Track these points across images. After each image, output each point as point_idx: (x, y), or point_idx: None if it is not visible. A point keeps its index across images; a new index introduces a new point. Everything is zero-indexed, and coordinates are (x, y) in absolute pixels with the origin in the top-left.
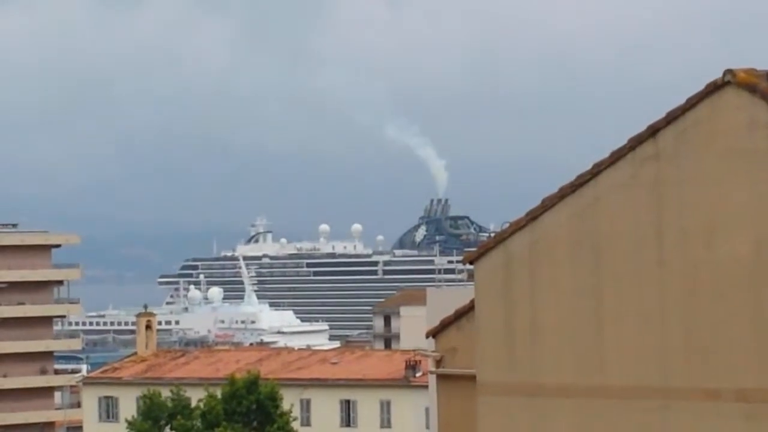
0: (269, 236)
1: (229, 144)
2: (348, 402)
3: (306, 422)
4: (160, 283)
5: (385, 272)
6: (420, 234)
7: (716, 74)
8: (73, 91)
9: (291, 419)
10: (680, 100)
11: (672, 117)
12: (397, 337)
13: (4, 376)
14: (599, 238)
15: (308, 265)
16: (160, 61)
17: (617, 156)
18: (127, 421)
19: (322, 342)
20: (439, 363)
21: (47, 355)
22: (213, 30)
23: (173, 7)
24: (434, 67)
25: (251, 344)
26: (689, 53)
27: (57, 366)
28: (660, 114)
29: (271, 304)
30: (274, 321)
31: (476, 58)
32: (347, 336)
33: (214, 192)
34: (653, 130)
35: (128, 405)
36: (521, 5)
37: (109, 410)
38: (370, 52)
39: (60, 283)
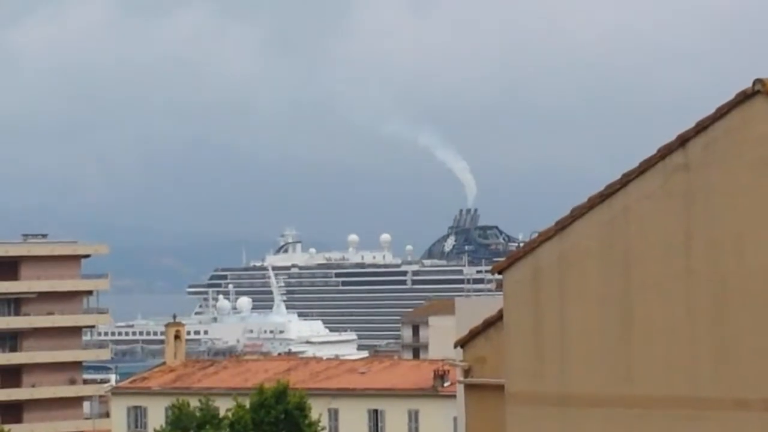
0: (298, 246)
1: (255, 153)
2: (376, 412)
3: None
4: (189, 293)
5: (414, 282)
6: (449, 244)
7: (746, 83)
8: (100, 101)
9: (319, 429)
10: (710, 109)
11: (701, 126)
12: (426, 346)
13: (34, 386)
14: (628, 248)
15: (337, 275)
16: (185, 71)
17: (647, 166)
18: (155, 430)
19: (351, 352)
20: (467, 373)
21: (76, 365)
22: (237, 40)
23: (197, 17)
24: (461, 76)
25: (280, 354)
26: (717, 61)
27: (86, 376)
28: (689, 123)
29: (300, 314)
30: (303, 331)
31: (502, 67)
32: (375, 346)
33: (243, 202)
34: (683, 140)
35: (157, 415)
36: (546, 14)
37: (137, 420)
38: (397, 62)
39: (89, 293)
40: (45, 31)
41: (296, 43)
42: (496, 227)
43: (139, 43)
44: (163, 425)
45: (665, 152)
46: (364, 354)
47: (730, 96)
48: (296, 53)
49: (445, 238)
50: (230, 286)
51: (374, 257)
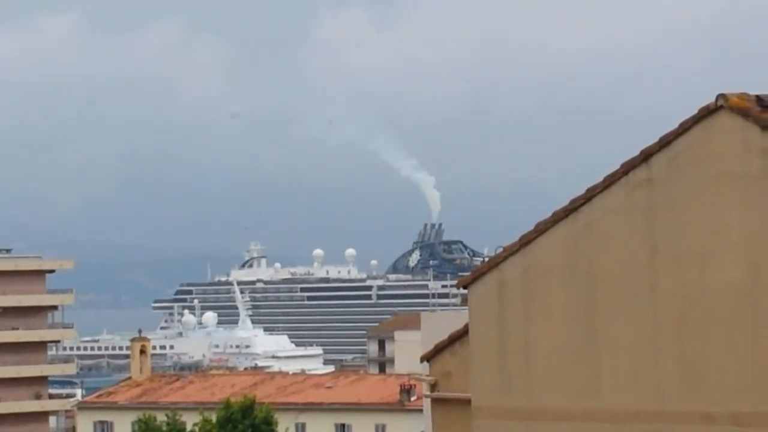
0: (263, 261)
1: (222, 168)
2: (343, 426)
3: None
4: (155, 308)
5: (379, 297)
6: (414, 258)
7: (709, 98)
8: (65, 114)
9: None
10: (673, 125)
11: (665, 142)
12: (392, 361)
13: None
14: (593, 263)
15: (302, 289)
16: (153, 85)
17: (610, 181)
18: None
19: (317, 366)
20: (433, 387)
21: (42, 380)
22: (203, 56)
23: (165, 32)
24: (426, 89)
25: (245, 369)
26: (682, 78)
27: (51, 391)
28: (653, 139)
29: (266, 329)
30: (269, 345)
31: (468, 81)
32: (341, 360)
33: (208, 217)
34: (646, 155)
35: (123, 429)
36: (514, 28)
37: None
38: (362, 76)
39: (54, 308)
40: (13, 43)
41: (261, 58)
42: (461, 242)
43: (107, 58)
44: None
45: (629, 167)
46: (331, 369)
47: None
48: (261, 68)
49: (410, 252)
50: (195, 300)
51: (339, 272)
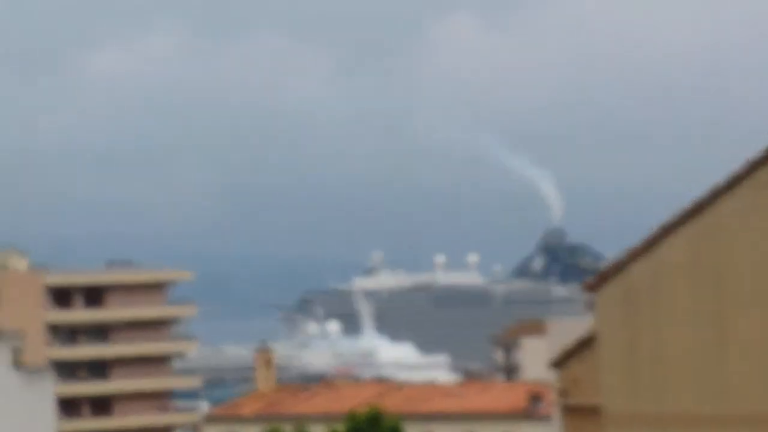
0: (386, 269)
1: (332, 173)
2: None
3: None
4: (279, 318)
5: (504, 302)
6: (538, 263)
7: None
8: (171, 125)
9: None
10: None
11: None
12: (519, 368)
13: (125, 415)
14: (720, 264)
15: (426, 297)
16: (257, 93)
17: (735, 181)
18: None
19: (443, 374)
20: (563, 394)
21: (166, 394)
22: (308, 63)
23: (267, 38)
24: (538, 92)
25: (371, 379)
26: None
27: (177, 404)
28: None
29: (390, 338)
30: (394, 354)
31: (579, 85)
32: (468, 368)
33: (323, 225)
34: None
35: None
36: (622, 30)
37: None
38: (473, 79)
39: (176, 320)
40: (118, 56)
41: (367, 63)
42: (585, 245)
43: (212, 67)
44: None
45: (753, 167)
46: (457, 377)
47: None
48: (369, 72)
49: (533, 257)
50: (319, 310)
51: (462, 278)
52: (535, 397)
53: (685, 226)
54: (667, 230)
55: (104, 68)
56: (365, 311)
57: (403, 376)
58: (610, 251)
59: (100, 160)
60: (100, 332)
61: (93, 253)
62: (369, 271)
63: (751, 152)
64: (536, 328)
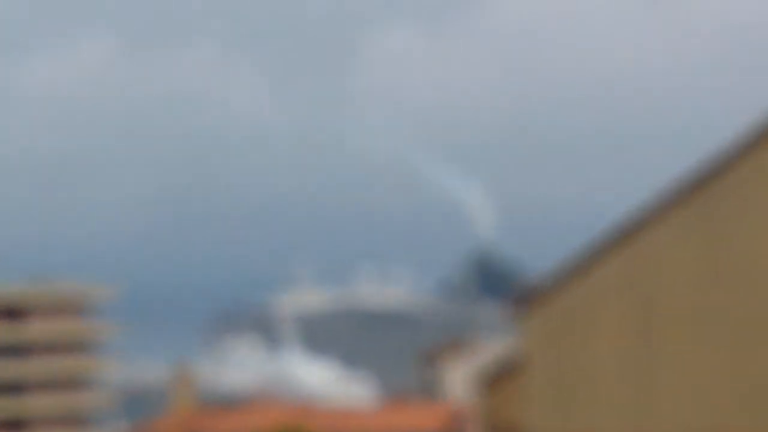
0: (311, 285)
1: (259, 188)
2: None
3: None
4: (199, 336)
5: (429, 321)
6: (465, 281)
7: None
8: (104, 137)
9: None
10: (729, 141)
11: (723, 161)
12: (442, 387)
13: None
14: (652, 286)
15: (350, 314)
16: (189, 105)
17: (667, 203)
18: None
19: (365, 393)
20: (487, 414)
21: (84, 413)
22: (245, 73)
23: (201, 50)
24: (478, 106)
25: (292, 398)
26: (740, 94)
27: (94, 423)
28: (708, 155)
29: (313, 355)
30: (316, 373)
31: (521, 97)
32: (391, 387)
33: (253, 240)
34: (704, 176)
35: None
36: (565, 43)
37: None
38: (408, 93)
39: (99, 337)
40: (48, 67)
41: (302, 76)
42: (514, 263)
43: (141, 79)
44: None
45: (686, 189)
46: (381, 396)
47: (751, 128)
48: (304, 85)
49: (461, 275)
50: (241, 327)
51: (388, 296)
52: (458, 417)
53: (617, 247)
54: (598, 252)
55: (34, 79)
56: (288, 329)
57: (324, 394)
58: (540, 269)
59: (25, 169)
60: (18, 351)
61: (15, 264)
62: (293, 288)
63: (682, 165)
64: (461, 347)
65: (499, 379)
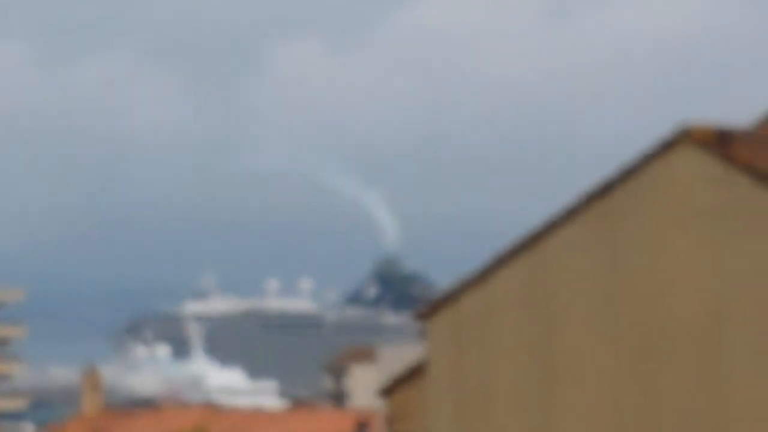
0: (218, 293)
1: (166, 198)
2: None
3: None
4: (106, 341)
5: (335, 329)
6: (371, 290)
7: (669, 129)
8: (16, 148)
9: None
10: (633, 153)
11: (625, 174)
12: (348, 395)
13: None
14: (552, 297)
15: (257, 322)
16: (95, 116)
17: (570, 213)
18: None
19: (271, 400)
20: (389, 422)
21: None
22: (152, 85)
23: (111, 63)
24: (381, 119)
25: (199, 403)
26: (641, 107)
27: (2, 426)
28: (612, 168)
29: (219, 362)
30: (222, 379)
31: (425, 111)
32: (297, 394)
33: (161, 248)
34: (606, 187)
35: None
36: (468, 59)
37: None
38: (315, 104)
39: (5, 340)
40: None
41: (208, 88)
42: (419, 274)
43: (54, 89)
44: None
45: (589, 199)
46: (285, 402)
47: (654, 141)
48: (208, 98)
49: (367, 284)
50: (148, 333)
51: (295, 304)
52: (363, 424)
53: (519, 257)
54: (501, 261)
55: None
56: (195, 335)
57: (231, 401)
58: (444, 279)
59: None
60: None
61: None
62: (200, 295)
63: (588, 178)
64: (366, 355)
65: (402, 386)
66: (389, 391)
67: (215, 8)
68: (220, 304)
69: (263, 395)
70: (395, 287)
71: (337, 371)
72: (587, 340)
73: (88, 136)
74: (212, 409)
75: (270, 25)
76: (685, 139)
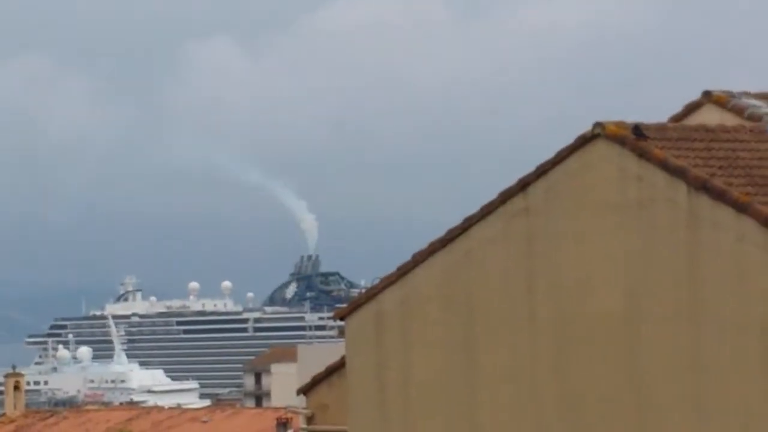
0: (138, 295)
1: (89, 202)
2: None
3: None
4: (28, 343)
5: (256, 329)
6: (290, 291)
7: (584, 125)
8: None
9: None
10: (549, 152)
11: (542, 170)
12: (268, 394)
13: None
14: (471, 293)
15: (178, 323)
16: (17, 120)
17: (487, 210)
18: None
19: (193, 400)
20: (310, 420)
21: None
22: (69, 88)
23: (27, 64)
24: (299, 119)
25: (121, 404)
26: (556, 105)
27: None
28: (530, 168)
29: (141, 363)
30: (144, 380)
31: (342, 111)
32: (218, 394)
33: (82, 251)
34: (523, 184)
35: None
36: (386, 59)
37: None
38: (230, 106)
39: None
40: None
41: (128, 89)
42: (338, 273)
43: None
44: None
45: (506, 197)
46: (207, 402)
47: (571, 139)
48: (124, 100)
49: (286, 284)
50: (70, 335)
51: (215, 305)
52: (283, 423)
53: (438, 254)
54: (420, 258)
55: None
56: (116, 336)
57: (153, 401)
58: (364, 279)
59: None
60: None
61: None
62: (121, 297)
63: (506, 175)
64: (287, 354)
65: (322, 385)
66: (309, 389)
67: (133, 11)
68: (140, 306)
69: (184, 395)
70: (316, 287)
71: (258, 371)
72: (506, 334)
73: (9, 139)
74: (135, 409)
75: (185, 26)
76: (600, 134)
